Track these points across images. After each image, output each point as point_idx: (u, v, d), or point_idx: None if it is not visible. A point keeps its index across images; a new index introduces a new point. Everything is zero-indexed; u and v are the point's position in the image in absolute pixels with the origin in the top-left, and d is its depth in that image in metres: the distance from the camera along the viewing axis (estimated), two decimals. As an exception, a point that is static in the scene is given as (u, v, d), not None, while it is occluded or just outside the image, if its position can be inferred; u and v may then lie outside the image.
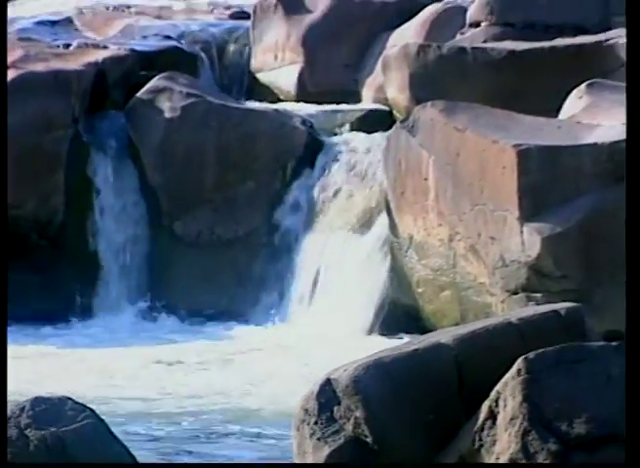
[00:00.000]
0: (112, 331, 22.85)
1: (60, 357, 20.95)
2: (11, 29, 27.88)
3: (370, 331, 21.25)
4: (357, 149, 23.46)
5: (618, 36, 24.74)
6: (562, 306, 13.02)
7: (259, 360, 20.69)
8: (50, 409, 8.92)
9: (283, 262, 23.18)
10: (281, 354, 20.21)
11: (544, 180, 21.40)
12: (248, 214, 23.56)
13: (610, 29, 25.28)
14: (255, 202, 23.55)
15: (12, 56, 25.09)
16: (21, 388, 13.44)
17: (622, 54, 24.12)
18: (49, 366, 20.27)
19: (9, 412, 9.36)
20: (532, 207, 21.21)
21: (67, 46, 26.34)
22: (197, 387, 19.57)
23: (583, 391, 11.82)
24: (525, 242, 21.18)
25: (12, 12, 31.51)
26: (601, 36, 24.91)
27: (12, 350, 20.09)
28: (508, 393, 11.65)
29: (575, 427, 11.67)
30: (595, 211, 21.48)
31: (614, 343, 12.43)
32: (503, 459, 11.56)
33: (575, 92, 22.90)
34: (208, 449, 15.92)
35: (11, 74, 24.30)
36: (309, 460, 11.88)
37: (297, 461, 11.99)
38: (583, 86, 23.03)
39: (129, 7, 29.87)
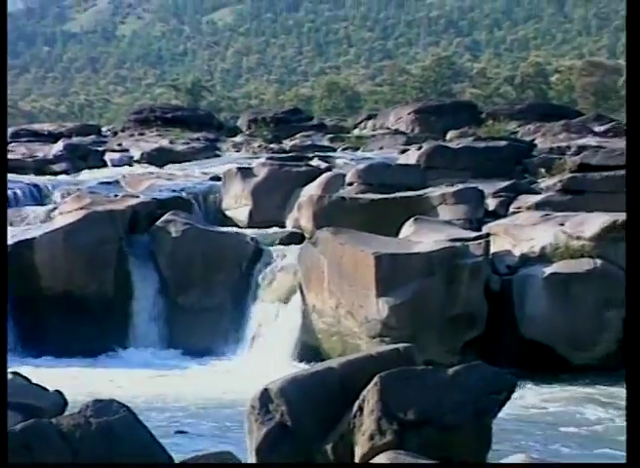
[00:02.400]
0: (139, 359, 22.70)
1: (110, 374, 20.73)
2: (83, 187, 28.74)
3: (291, 360, 21.67)
4: (285, 255, 23.87)
5: (430, 192, 25.59)
6: (401, 345, 14.07)
7: (233, 373, 21.18)
8: (102, 407, 8.83)
9: (242, 320, 23.39)
10: (245, 372, 20.25)
11: (390, 273, 21.49)
12: (220, 292, 23.69)
13: (426, 188, 25.58)
14: (225, 285, 23.85)
15: (84, 201, 25.35)
16: (95, 391, 12.95)
17: (433, 201, 25.27)
18: (102, 378, 20.08)
19: (81, 408, 9.03)
20: (383, 288, 21.45)
21: (116, 196, 26.74)
22: (188, 392, 19.13)
23: (413, 395, 12.42)
24: (380, 308, 21.46)
25: (84, 176, 33.71)
26: (420, 192, 25.51)
27: (79, 371, 20.61)
28: (370, 396, 12.46)
29: (407, 416, 12.39)
30: (419, 290, 21.38)
31: (430, 367, 13.00)
32: (367, 435, 12.57)
33: (407, 223, 23.72)
34: (199, 431, 15.65)
35: (83, 212, 24.43)
36: (255, 436, 12.89)
37: (247, 438, 13.08)
38: (411, 220, 23.77)
39: (151, 173, 31.66)
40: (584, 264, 21.31)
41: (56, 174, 34.86)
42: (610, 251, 21.35)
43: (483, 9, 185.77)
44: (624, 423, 16.62)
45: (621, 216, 21.62)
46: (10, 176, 31.51)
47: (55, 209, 26.00)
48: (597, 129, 44.81)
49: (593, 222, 21.74)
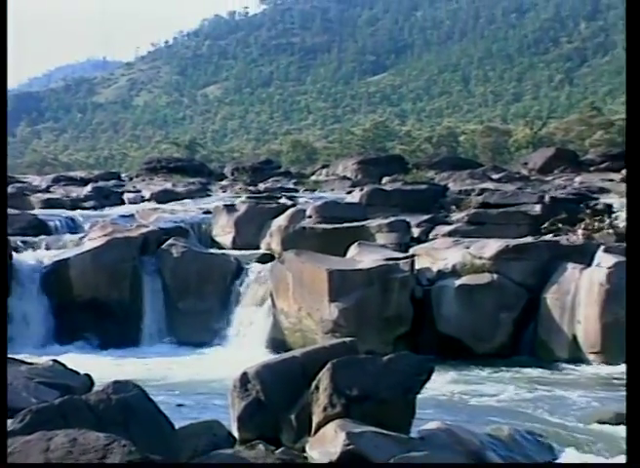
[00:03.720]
0: (148, 351, 22.13)
1: (126, 363, 20.17)
2: (106, 219, 28.30)
3: (264, 350, 20.98)
4: (260, 270, 23.41)
5: (370, 223, 25.44)
6: (347, 339, 14.20)
7: (220, 360, 20.47)
8: (121, 386, 8.82)
9: (227, 320, 22.99)
10: (229, 359, 19.34)
11: (340, 284, 21.40)
12: (211, 299, 23.30)
13: (367, 220, 25.41)
14: (214, 293, 23.44)
15: (107, 230, 24.92)
16: (115, 375, 12.54)
17: (372, 230, 25.18)
18: (121, 366, 19.55)
19: (104, 387, 9.01)
20: (334, 296, 21.25)
21: (131, 226, 26.24)
22: (185, 375, 18.95)
23: (356, 377, 12.50)
24: (331, 311, 21.26)
25: (107, 211, 33.32)
26: (362, 223, 25.44)
27: (104, 360, 20.19)
28: (324, 377, 12.54)
29: (352, 392, 12.41)
30: (361, 297, 21.23)
31: (369, 356, 12.71)
32: (321, 407, 12.49)
33: (352, 246, 23.45)
34: (194, 404, 15.50)
35: (106, 238, 24.09)
36: (236, 409, 12.82)
37: (230, 410, 12.98)
38: (355, 244, 23.52)
39: (158, 208, 31.22)
40: (485, 278, 21.32)
41: (86, 209, 34.58)
42: (503, 267, 21.32)
43: (409, 86, 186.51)
44: (516, 395, 16.70)
45: (512, 242, 21.89)
46: (51, 211, 32.18)
47: (85, 236, 25.77)
48: (494, 176, 44.99)
49: (491, 246, 21.79)
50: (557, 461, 11.77)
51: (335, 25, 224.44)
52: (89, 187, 41.23)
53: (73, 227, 28.76)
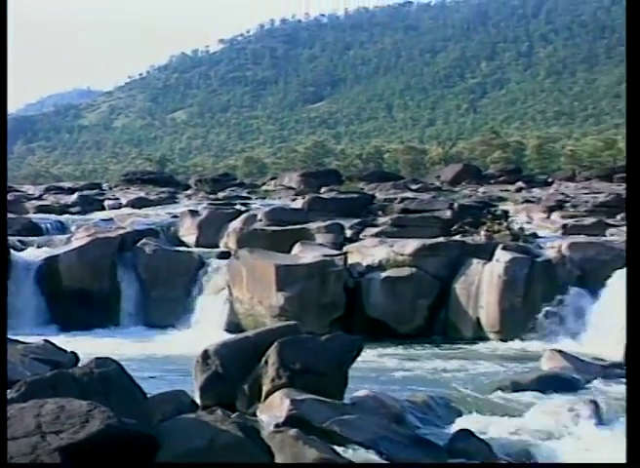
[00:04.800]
0: (125, 333, 21.79)
1: (106, 342, 19.72)
2: (90, 222, 27.97)
3: (222, 331, 20.41)
4: (219, 264, 23.10)
5: (310, 225, 25.21)
6: (291, 322, 14.68)
7: (185, 340, 20.11)
8: (102, 362, 8.64)
9: (191, 306, 22.68)
10: (193, 339, 18.72)
11: (285, 276, 21.20)
12: (178, 289, 22.90)
13: (308, 223, 25.38)
14: (180, 284, 23.00)
15: (90, 231, 24.78)
16: (97, 353, 12.33)
17: (312, 231, 24.97)
18: (102, 345, 18.83)
19: (87, 363, 8.84)
20: (280, 286, 21.10)
21: (111, 228, 26.11)
22: (156, 352, 18.70)
23: (299, 353, 12.38)
24: (278, 299, 21.08)
25: (91, 216, 32.86)
26: (304, 225, 25.23)
27: (86, 340, 19.56)
28: (272, 354, 12.70)
29: (295, 366, 12.56)
30: (303, 288, 20.97)
31: (310, 336, 13.36)
32: (270, 379, 12.45)
33: (296, 245, 23.38)
34: (163, 376, 15.38)
35: (90, 238, 23.84)
36: (199, 380, 12.84)
37: (194, 381, 12.85)
38: (298, 243, 23.44)
39: (132, 214, 30.75)
40: (405, 271, 21.31)
41: (72, 214, 34.22)
42: (421, 262, 21.34)
43: (342, 112, 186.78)
44: (430, 368, 16.78)
45: (428, 241, 21.92)
46: (43, 215, 31.99)
47: (72, 236, 25.45)
48: (412, 187, 45.20)
49: (411, 245, 21.81)
50: (487, 434, 11.52)
51: (281, 62, 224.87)
52: (75, 196, 41.12)
53: (62, 229, 28.40)
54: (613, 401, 13.09)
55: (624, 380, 14.65)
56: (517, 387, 14.09)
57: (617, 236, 23.98)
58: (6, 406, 6.15)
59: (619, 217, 27.04)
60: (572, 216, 28.67)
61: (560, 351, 16.08)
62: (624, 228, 25.06)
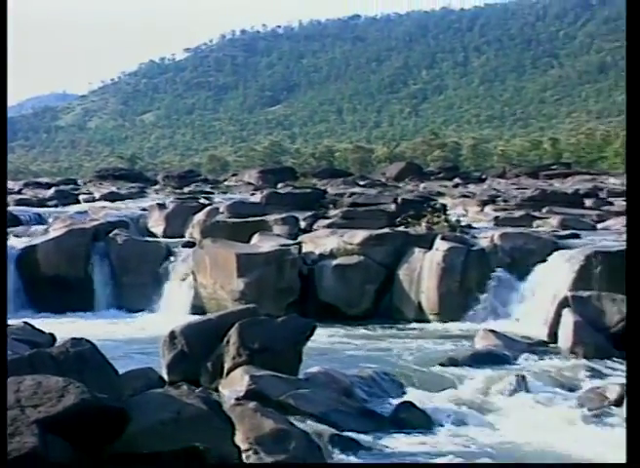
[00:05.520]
0: (99, 315, 21.52)
1: (81, 324, 19.43)
2: (66, 214, 27.65)
3: (187, 314, 20.03)
4: (184, 253, 22.81)
5: (268, 218, 24.98)
6: (250, 306, 14.50)
7: (153, 322, 19.82)
8: (77, 342, 8.48)
9: (159, 291, 22.32)
10: (161, 321, 18.45)
11: (245, 264, 20.97)
12: (147, 275, 22.52)
13: (266, 215, 25.26)
14: (149, 271, 22.62)
15: (66, 223, 24.52)
16: (72, 333, 12.34)
17: (270, 223, 24.75)
18: (77, 327, 18.32)
19: (63, 343, 8.68)
20: (241, 273, 20.79)
21: (86, 219, 25.84)
22: (127, 333, 18.44)
23: (257, 333, 12.27)
24: (239, 284, 20.77)
25: (67, 209, 32.28)
26: (262, 218, 25.00)
27: (64, 322, 19.14)
28: (233, 334, 12.89)
29: (254, 345, 12.36)
30: (261, 274, 20.77)
31: (267, 318, 12.87)
32: (231, 357, 12.45)
33: (255, 235, 23.12)
34: (133, 355, 15.22)
35: (66, 229, 23.53)
36: (166, 359, 12.90)
37: (162, 360, 12.81)
38: (257, 233, 23.21)
39: (105, 207, 30.28)
40: (354, 259, 21.26)
41: (50, 207, 33.79)
42: (368, 251, 21.28)
43: (297, 115, 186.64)
44: (377, 346, 16.90)
45: (375, 232, 21.80)
46: (23, 208, 31.62)
47: (49, 227, 25.15)
48: (361, 183, 45.29)
49: (359, 235, 21.76)
50: (427, 405, 11.60)
51: (241, 69, 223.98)
52: (52, 190, 40.77)
53: (40, 220, 28.03)
54: (538, 374, 13.26)
55: (549, 356, 14.94)
56: (454, 363, 14.20)
57: (542, 227, 24.26)
58: (6, 404, 5.85)
59: (544, 210, 27.29)
60: (503, 210, 28.88)
61: (492, 330, 16.20)
62: (549, 220, 25.40)
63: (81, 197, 38.54)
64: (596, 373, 13.40)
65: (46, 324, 14.70)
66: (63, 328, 16.34)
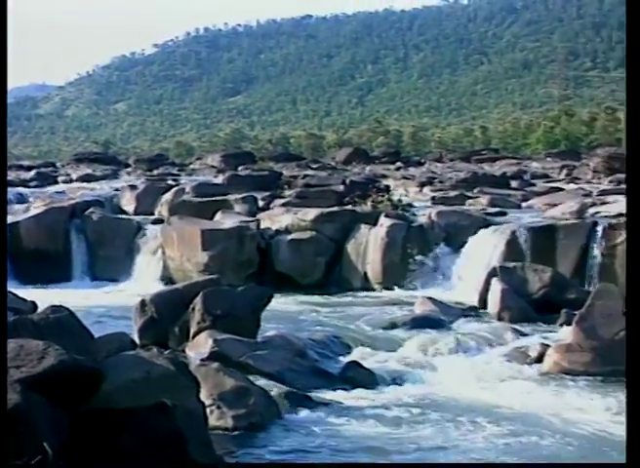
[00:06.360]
0: (76, 285, 21.30)
1: (60, 293, 18.73)
2: (45, 194, 27.28)
3: (157, 284, 19.92)
4: (154, 229, 22.56)
5: (230, 197, 24.56)
6: (214, 276, 13.85)
7: (126, 291, 19.77)
8: (56, 309, 8.20)
9: (131, 263, 22.12)
10: (133, 291, 18.53)
11: (209, 239, 20.75)
12: (120, 249, 22.36)
13: (227, 195, 24.86)
14: (122, 245, 22.42)
15: (46, 202, 24.11)
16: (52, 301, 12.28)
17: (232, 202, 24.32)
18: (56, 295, 18.15)
19: (44, 310, 8.37)
20: (205, 247, 20.67)
21: (64, 198, 25.38)
22: (102, 301, 18.19)
23: (220, 301, 12.23)
24: (203, 257, 20.60)
25: (46, 189, 31.46)
26: (225, 197, 24.58)
27: (44, 291, 19.02)
28: (198, 302, 12.42)
29: (217, 311, 12.21)
30: (224, 248, 20.74)
31: (229, 287, 12.90)
32: (196, 322, 12.51)
33: (217, 213, 22.77)
34: (108, 321, 14.90)
35: (45, 207, 23.29)
36: (137, 324, 12.75)
37: (134, 325, 12.74)
38: (219, 211, 22.88)
39: (81, 187, 30.05)
40: (307, 234, 21.23)
41: (30, 187, 32.97)
42: (320, 227, 21.22)
43: (255, 104, 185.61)
44: (327, 312, 16.97)
45: (325, 210, 21.72)
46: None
47: (30, 206, 24.68)
48: (313, 166, 45.08)
49: (311, 213, 21.71)
50: (372, 364, 11.67)
51: (205, 63, 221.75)
52: (33, 172, 40.04)
53: (22, 200, 27.39)
54: (470, 335, 13.39)
55: (480, 319, 15.12)
56: (395, 326, 14.36)
57: (474, 206, 24.44)
58: (6, 403, 5.63)
59: (475, 191, 27.41)
60: (439, 190, 28.98)
61: (430, 297, 16.33)
62: (479, 199, 25.58)
63: (59, 178, 37.83)
64: (520, 335, 13.61)
65: (28, 293, 14.56)
66: (44, 296, 16.12)
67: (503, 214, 21.98)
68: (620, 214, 18.65)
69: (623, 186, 28.28)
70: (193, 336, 12.04)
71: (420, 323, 14.47)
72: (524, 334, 13.72)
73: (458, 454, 8.34)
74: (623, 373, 10.93)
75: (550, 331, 13.88)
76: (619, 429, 9.06)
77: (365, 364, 11.56)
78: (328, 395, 10.46)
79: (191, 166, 50.75)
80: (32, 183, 34.98)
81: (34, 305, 11.00)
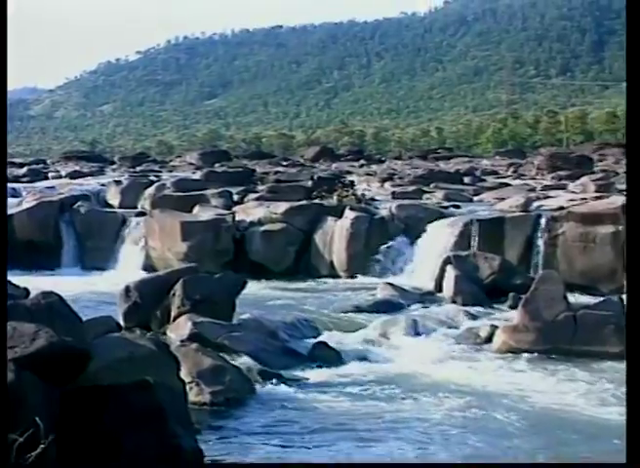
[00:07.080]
0: (65, 273, 20.78)
1: (51, 281, 18.11)
2: (37, 189, 26.76)
3: (140, 271, 19.21)
4: (137, 221, 22.21)
5: (208, 192, 24.25)
6: (192, 265, 13.59)
7: (112, 278, 19.19)
8: (47, 295, 7.75)
9: (116, 253, 21.77)
10: (118, 278, 17.99)
11: (188, 230, 20.56)
12: (106, 239, 21.96)
13: (205, 190, 24.50)
14: (108, 236, 22.01)
15: (37, 196, 23.66)
16: (43, 288, 12.05)
17: (209, 197, 23.97)
18: (47, 282, 17.84)
19: (35, 295, 7.96)
20: (184, 238, 20.43)
21: (54, 193, 24.89)
22: (89, 288, 17.85)
23: (199, 287, 12.04)
24: (183, 247, 20.25)
25: (37, 184, 31.19)
26: (202, 192, 24.26)
27: (36, 279, 17.84)
28: (178, 287, 12.20)
29: (196, 297, 12.20)
30: (202, 239, 20.44)
31: (208, 275, 12.75)
32: (176, 306, 12.35)
33: (196, 206, 22.43)
34: (95, 306, 14.43)
35: (37, 201, 22.85)
36: (122, 308, 12.63)
37: (119, 310, 12.57)
38: (198, 205, 22.54)
39: (70, 183, 29.34)
40: (278, 226, 21.05)
41: (23, 182, 32.51)
42: (290, 219, 21.04)
43: (231, 107, 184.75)
44: (297, 297, 16.85)
45: (295, 203, 21.55)
46: (0, 183, 30.47)
47: (23, 200, 24.31)
48: (284, 163, 45.02)
49: (282, 206, 21.56)
50: (337, 344, 11.64)
51: (184, 68, 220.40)
52: (25, 169, 39.51)
53: (14, 194, 26.90)
54: (426, 317, 13.45)
55: (435, 303, 15.20)
56: (359, 310, 14.44)
57: (430, 200, 24.58)
58: (6, 403, 5.47)
59: (431, 186, 27.58)
60: (399, 185, 29.08)
61: (390, 283, 16.38)
62: (435, 194, 25.69)
63: (50, 175, 37.41)
64: (472, 317, 13.73)
65: (21, 280, 14.33)
66: (36, 283, 16.02)
67: (457, 207, 22.09)
68: (562, 208, 18.98)
69: (564, 182, 28.91)
70: (174, 319, 11.98)
71: (382, 306, 14.45)
72: (475, 317, 13.78)
73: (421, 423, 8.38)
74: (564, 351, 11.37)
75: (499, 313, 14.06)
76: (560, 399, 9.21)
77: (331, 344, 11.54)
78: (298, 372, 10.45)
79: (172, 163, 50.45)
80: (24, 179, 34.52)
81: (27, 291, 10.69)
